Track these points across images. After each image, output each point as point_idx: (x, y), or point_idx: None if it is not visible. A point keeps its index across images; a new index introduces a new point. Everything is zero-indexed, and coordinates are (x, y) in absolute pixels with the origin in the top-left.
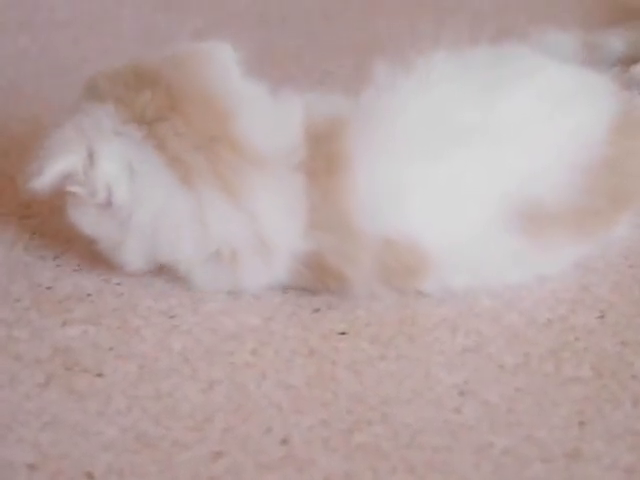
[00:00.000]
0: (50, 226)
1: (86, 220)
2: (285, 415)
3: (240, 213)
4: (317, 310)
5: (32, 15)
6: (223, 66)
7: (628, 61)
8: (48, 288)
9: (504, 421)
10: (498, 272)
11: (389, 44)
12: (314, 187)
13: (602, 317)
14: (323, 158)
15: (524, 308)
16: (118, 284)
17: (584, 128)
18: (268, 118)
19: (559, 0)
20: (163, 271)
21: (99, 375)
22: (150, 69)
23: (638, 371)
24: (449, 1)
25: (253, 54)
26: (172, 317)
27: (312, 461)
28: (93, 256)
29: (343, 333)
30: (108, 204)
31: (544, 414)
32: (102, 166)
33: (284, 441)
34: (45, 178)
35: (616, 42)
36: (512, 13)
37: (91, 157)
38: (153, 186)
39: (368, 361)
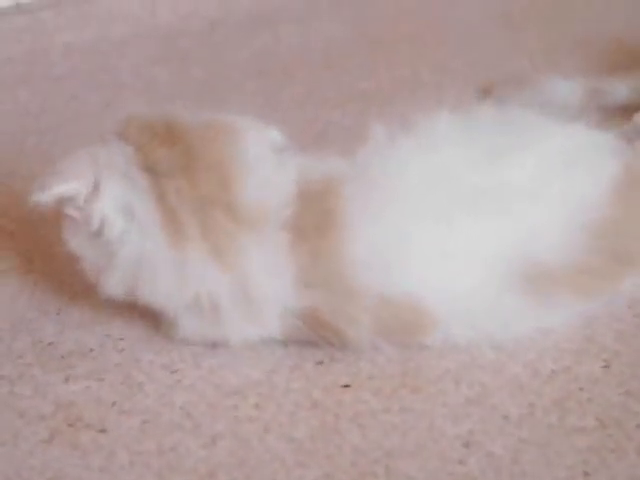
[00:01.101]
0: (52, 281)
1: (77, 241)
2: (289, 468)
3: (222, 272)
4: (320, 363)
5: (31, 70)
6: (252, 142)
7: (632, 108)
8: (50, 344)
9: (509, 472)
10: (501, 327)
11: (391, 93)
12: (302, 244)
13: (606, 367)
14: (313, 216)
15: (528, 359)
16: (120, 339)
17: (587, 191)
18: (265, 180)
19: (561, 46)
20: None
21: (102, 431)
22: (181, 127)
23: None
24: (450, 48)
25: (255, 104)
26: (174, 372)
27: None
28: (95, 311)
29: (346, 386)
30: (99, 234)
31: (549, 465)
32: (103, 200)
33: None
34: (48, 195)
35: (620, 88)
36: (516, 59)
37: (96, 188)
38: (144, 232)
39: (372, 414)
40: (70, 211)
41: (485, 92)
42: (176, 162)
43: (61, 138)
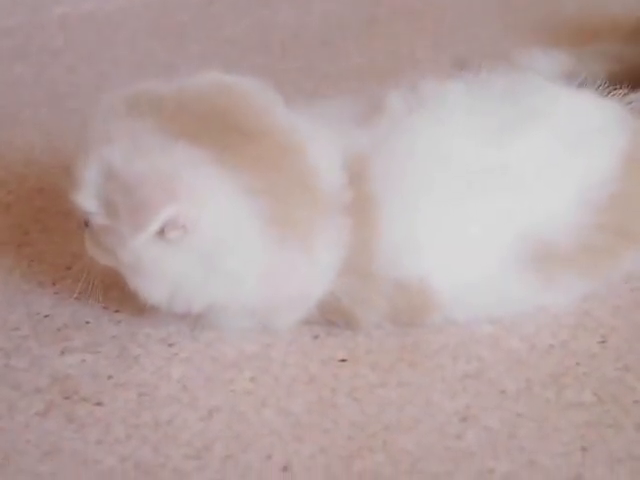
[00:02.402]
0: (48, 253)
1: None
2: (285, 442)
3: (309, 264)
4: (317, 337)
5: (27, 42)
6: (267, 101)
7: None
8: (46, 316)
9: (506, 447)
10: (504, 305)
11: (387, 69)
12: (355, 231)
13: (604, 342)
14: (360, 200)
15: (525, 334)
16: (116, 312)
17: (597, 166)
18: (327, 155)
19: (558, 23)
20: None
21: (98, 404)
22: (221, 108)
23: None
24: (447, 25)
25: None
26: (171, 345)
27: None
28: (91, 284)
29: (343, 360)
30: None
31: (546, 439)
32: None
33: (285, 468)
34: (149, 231)
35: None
36: (512, 36)
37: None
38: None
39: (369, 388)
40: (172, 234)
41: (460, 64)
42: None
43: (57, 110)
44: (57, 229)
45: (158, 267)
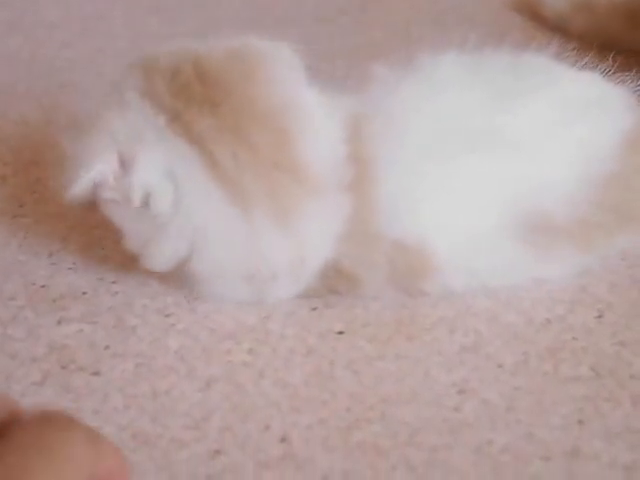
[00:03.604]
0: (44, 224)
1: (119, 216)
2: (283, 414)
3: (291, 239)
4: (315, 309)
5: (22, 16)
6: (289, 72)
7: None
8: (43, 286)
9: (503, 419)
10: (499, 276)
11: (383, 48)
12: (352, 201)
13: (600, 317)
14: (357, 168)
15: (522, 308)
16: (113, 282)
17: (595, 142)
18: (324, 134)
19: None
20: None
21: (95, 374)
22: (217, 74)
23: (637, 371)
24: (444, 4)
25: None
26: (168, 316)
27: (311, 459)
28: (88, 254)
29: (341, 332)
30: (145, 209)
31: (543, 413)
32: (139, 174)
33: (283, 439)
34: (77, 189)
35: None
36: (510, 16)
37: (126, 164)
38: (200, 201)
39: (366, 360)
40: (107, 194)
41: None
42: (224, 124)
43: (53, 85)
44: (53, 201)
45: (136, 230)
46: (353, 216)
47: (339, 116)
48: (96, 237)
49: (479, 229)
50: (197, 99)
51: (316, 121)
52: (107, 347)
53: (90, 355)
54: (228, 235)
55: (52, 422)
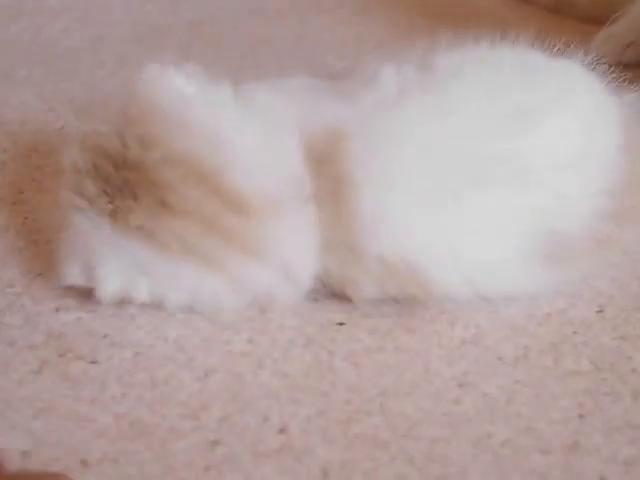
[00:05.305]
0: (42, 211)
1: None
2: (282, 405)
3: (269, 265)
4: (315, 300)
5: (23, 3)
6: (208, 116)
7: None
8: (40, 274)
9: (503, 413)
10: (504, 290)
11: (385, 38)
12: (324, 213)
13: (601, 311)
14: (328, 182)
15: (522, 302)
16: None
17: (603, 157)
18: (263, 158)
19: None
20: None
21: (93, 362)
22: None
23: (637, 365)
24: None
25: (248, 46)
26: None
27: (310, 451)
28: None
29: (341, 324)
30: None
31: (543, 406)
32: (106, 286)
33: (281, 430)
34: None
35: None
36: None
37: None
38: (172, 277)
39: (366, 352)
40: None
41: None
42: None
43: (52, 71)
44: (52, 188)
45: None
46: (334, 230)
47: (306, 135)
48: None
49: (485, 256)
50: (118, 185)
51: (249, 151)
52: (105, 335)
53: (88, 343)
54: (217, 293)
55: None
